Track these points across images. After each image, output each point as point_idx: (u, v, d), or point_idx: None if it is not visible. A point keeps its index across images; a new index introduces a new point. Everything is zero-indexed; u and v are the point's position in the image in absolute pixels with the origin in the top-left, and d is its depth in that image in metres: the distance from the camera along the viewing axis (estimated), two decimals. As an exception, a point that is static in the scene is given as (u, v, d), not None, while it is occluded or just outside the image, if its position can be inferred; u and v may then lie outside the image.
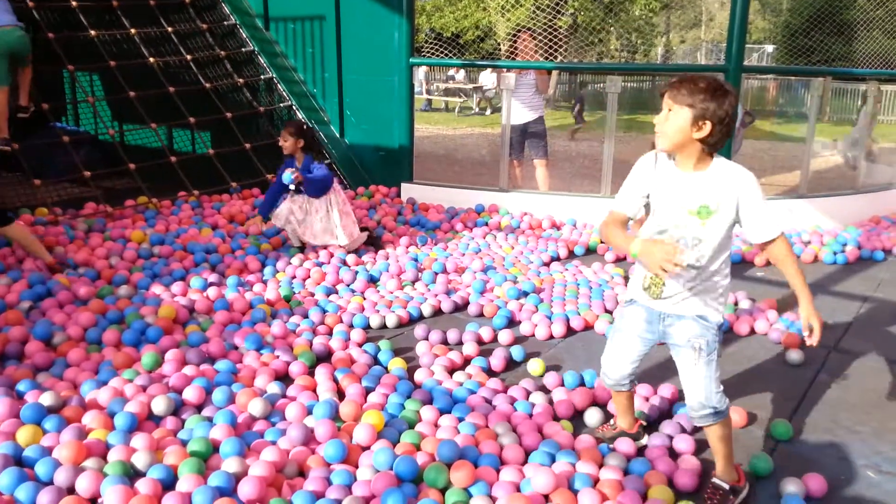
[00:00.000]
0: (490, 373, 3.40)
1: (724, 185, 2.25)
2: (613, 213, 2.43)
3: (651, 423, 2.96)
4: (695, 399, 2.39)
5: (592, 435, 2.80)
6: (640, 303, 2.47)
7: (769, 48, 19.60)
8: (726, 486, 2.43)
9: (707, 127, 2.18)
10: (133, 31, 6.76)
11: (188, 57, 6.94)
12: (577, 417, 3.01)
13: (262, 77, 7.35)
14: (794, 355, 3.60)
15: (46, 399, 2.78)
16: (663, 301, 2.39)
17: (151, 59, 6.65)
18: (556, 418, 2.96)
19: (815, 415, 3.09)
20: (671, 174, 2.32)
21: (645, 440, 2.81)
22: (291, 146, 4.93)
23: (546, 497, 2.36)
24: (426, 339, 3.76)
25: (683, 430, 2.86)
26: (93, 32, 6.51)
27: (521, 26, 6.59)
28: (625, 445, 2.71)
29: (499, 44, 7.66)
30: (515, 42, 6.54)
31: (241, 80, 7.14)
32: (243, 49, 7.42)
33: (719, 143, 2.23)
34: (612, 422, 2.88)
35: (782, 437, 2.86)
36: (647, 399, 3.10)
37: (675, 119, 2.21)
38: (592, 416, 2.97)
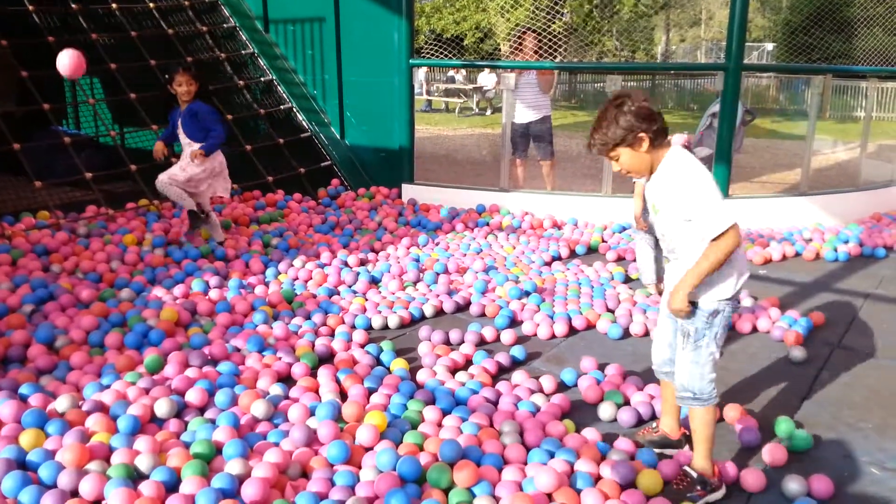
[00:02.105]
0: (496, 374, 3.40)
1: (662, 184, 2.37)
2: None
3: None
4: (678, 380, 2.48)
5: (631, 438, 2.76)
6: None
7: (769, 46, 19.59)
8: (695, 475, 2.45)
9: (644, 138, 2.30)
10: (133, 33, 6.76)
11: (188, 59, 6.94)
12: (581, 415, 3.01)
13: (262, 79, 7.36)
14: (797, 353, 3.60)
15: (62, 403, 2.79)
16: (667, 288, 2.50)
17: (152, 62, 6.66)
18: (563, 417, 2.95)
19: (818, 412, 3.09)
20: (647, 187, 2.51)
21: (685, 449, 2.72)
22: (187, 91, 4.87)
23: (549, 496, 2.36)
24: (428, 339, 3.76)
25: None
26: (94, 36, 6.52)
27: (526, 27, 6.60)
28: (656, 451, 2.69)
29: (498, 44, 7.67)
30: (520, 43, 6.56)
31: (241, 83, 7.15)
32: (243, 51, 7.43)
33: (658, 133, 2.31)
34: (654, 425, 2.83)
35: (786, 435, 2.85)
36: (652, 398, 3.09)
37: (624, 159, 2.36)
38: (606, 411, 2.98)
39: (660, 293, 2.70)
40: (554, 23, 6.41)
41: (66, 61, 2.39)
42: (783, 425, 2.86)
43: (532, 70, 6.50)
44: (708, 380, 2.43)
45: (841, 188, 6.85)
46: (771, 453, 2.64)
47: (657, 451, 2.70)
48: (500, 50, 7.73)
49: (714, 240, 2.25)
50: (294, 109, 7.26)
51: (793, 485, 2.46)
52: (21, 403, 2.78)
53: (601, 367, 3.44)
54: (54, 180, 5.77)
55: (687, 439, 2.74)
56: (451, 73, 20.85)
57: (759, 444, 2.76)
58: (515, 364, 3.56)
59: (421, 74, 19.66)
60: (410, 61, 6.58)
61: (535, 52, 6.43)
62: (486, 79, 18.65)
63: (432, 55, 7.00)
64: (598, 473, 2.50)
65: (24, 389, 2.92)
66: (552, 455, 2.61)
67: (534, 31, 6.46)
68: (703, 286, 2.36)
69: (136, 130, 6.91)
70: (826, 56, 7.13)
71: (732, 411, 2.95)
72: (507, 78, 6.48)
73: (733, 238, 2.24)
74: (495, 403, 3.04)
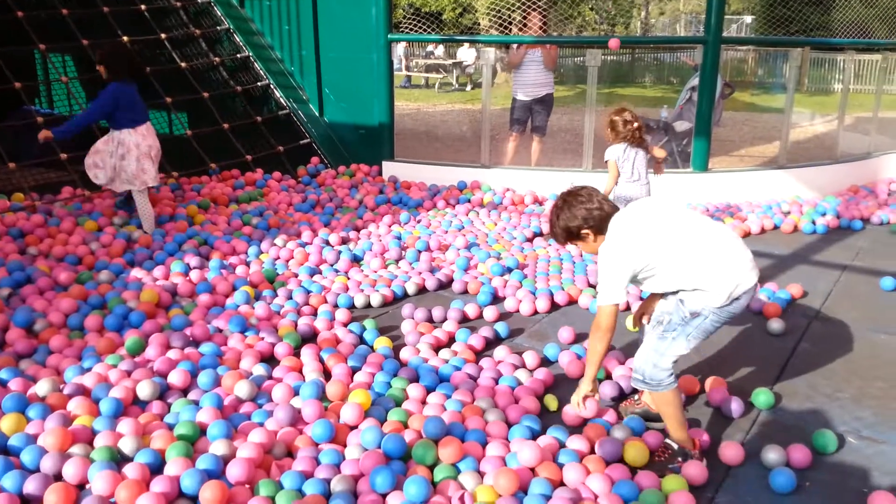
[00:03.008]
0: (481, 350, 3.41)
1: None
2: None
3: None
4: (635, 359, 2.57)
5: (615, 409, 2.82)
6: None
7: (748, 19, 19.59)
8: (675, 447, 2.51)
9: (589, 234, 2.52)
10: (105, 9, 6.62)
11: (162, 35, 6.82)
12: (563, 390, 3.03)
13: (238, 55, 7.25)
14: (775, 325, 3.64)
15: (42, 387, 2.77)
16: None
17: (125, 38, 6.53)
18: (545, 392, 2.98)
19: (796, 383, 3.14)
20: None
21: (664, 424, 2.72)
22: (102, 72, 4.76)
23: (533, 470, 2.39)
24: (411, 317, 3.76)
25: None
26: (64, 11, 6.37)
27: (530, 5, 6.56)
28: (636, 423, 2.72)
29: (478, 19, 7.60)
30: (525, 22, 6.53)
31: (216, 59, 7.04)
32: (218, 27, 7.30)
33: (599, 222, 2.51)
34: (636, 397, 2.87)
35: (764, 405, 2.90)
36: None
37: (583, 247, 2.60)
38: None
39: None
40: None
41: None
42: (762, 396, 2.91)
43: (536, 48, 6.48)
44: (662, 368, 2.45)
45: (819, 161, 6.91)
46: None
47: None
48: (479, 24, 7.67)
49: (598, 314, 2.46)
50: (271, 86, 7.17)
51: (772, 455, 2.51)
52: (0, 388, 2.75)
53: (582, 341, 3.47)
54: (28, 161, 5.67)
55: None
56: (430, 48, 20.66)
57: (742, 414, 2.82)
58: (499, 340, 3.57)
59: (400, 50, 19.46)
60: (389, 36, 6.51)
61: (542, 31, 6.41)
62: (466, 54, 18.50)
63: (411, 30, 6.93)
64: (582, 448, 2.53)
65: (3, 374, 2.89)
66: (535, 429, 2.63)
67: (539, 10, 6.44)
68: (691, 291, 2.41)
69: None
70: (804, 28, 7.14)
71: (711, 382, 3.00)
72: (487, 52, 6.44)
73: (604, 318, 2.43)
74: (478, 380, 3.05)
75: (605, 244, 2.47)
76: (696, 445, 2.52)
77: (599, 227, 2.50)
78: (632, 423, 2.69)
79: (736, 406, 2.84)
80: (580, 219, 2.50)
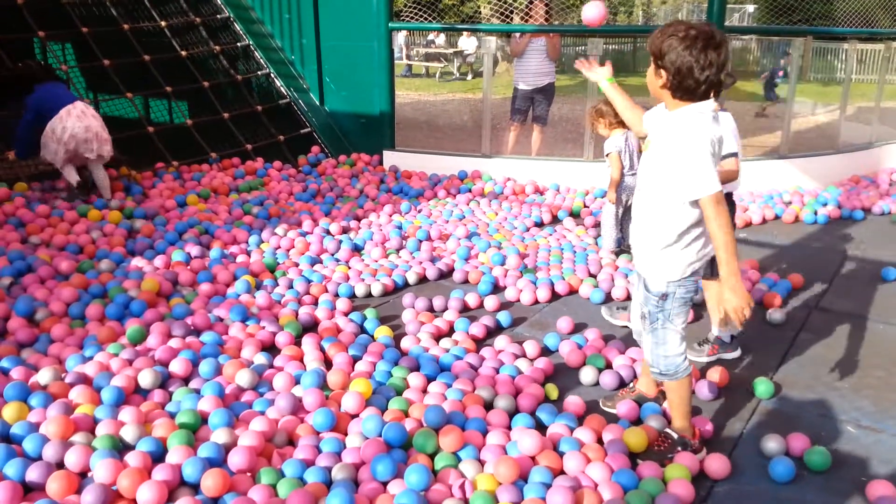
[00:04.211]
0: (483, 339, 3.42)
1: (669, 124, 2.25)
2: None
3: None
4: (645, 355, 2.54)
5: (611, 399, 2.83)
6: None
7: (750, 8, 19.48)
8: (675, 436, 2.50)
9: (663, 75, 2.18)
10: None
11: (162, 24, 6.80)
12: (564, 379, 3.04)
13: (238, 44, 7.23)
14: (776, 315, 3.65)
15: (44, 376, 2.77)
16: (636, 249, 2.48)
17: (125, 26, 6.51)
18: (546, 381, 2.98)
19: (796, 372, 3.15)
20: (655, 115, 2.40)
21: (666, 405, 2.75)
22: None
23: (533, 459, 2.40)
24: (412, 306, 3.76)
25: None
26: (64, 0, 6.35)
27: None
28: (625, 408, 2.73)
29: (479, 7, 7.56)
30: (529, 11, 6.50)
31: (217, 48, 7.02)
32: (218, 15, 7.28)
33: (689, 91, 2.16)
34: (631, 385, 2.88)
35: (764, 395, 2.91)
36: (633, 361, 3.13)
37: (650, 69, 2.26)
38: (588, 375, 3.02)
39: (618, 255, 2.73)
40: None
41: (595, 13, 2.40)
42: (762, 386, 2.92)
43: (540, 36, 6.45)
44: (673, 355, 2.42)
45: (820, 151, 6.89)
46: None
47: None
48: (480, 13, 7.63)
49: (703, 208, 2.15)
50: (272, 75, 7.15)
51: (771, 443, 2.52)
52: (2, 377, 2.76)
53: (583, 331, 3.47)
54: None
55: (663, 395, 2.77)
56: (431, 36, 20.58)
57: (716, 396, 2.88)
58: (500, 329, 3.58)
59: (400, 38, 19.39)
60: (390, 25, 6.48)
61: (546, 19, 6.39)
62: (467, 43, 18.43)
63: (412, 19, 6.90)
64: (583, 437, 2.53)
65: (4, 363, 2.89)
66: (535, 418, 2.64)
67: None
68: (649, 267, 2.35)
69: (112, 98, 6.77)
70: (807, 17, 7.10)
71: (714, 373, 3.00)
72: (489, 42, 6.41)
73: (721, 202, 2.12)
74: (479, 369, 3.06)
75: (703, 129, 2.15)
76: (697, 435, 2.53)
77: (688, 87, 2.15)
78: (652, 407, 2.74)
79: (706, 391, 2.88)
80: (689, 61, 2.10)
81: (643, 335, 2.50)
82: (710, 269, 2.93)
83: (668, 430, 2.54)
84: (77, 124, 4.92)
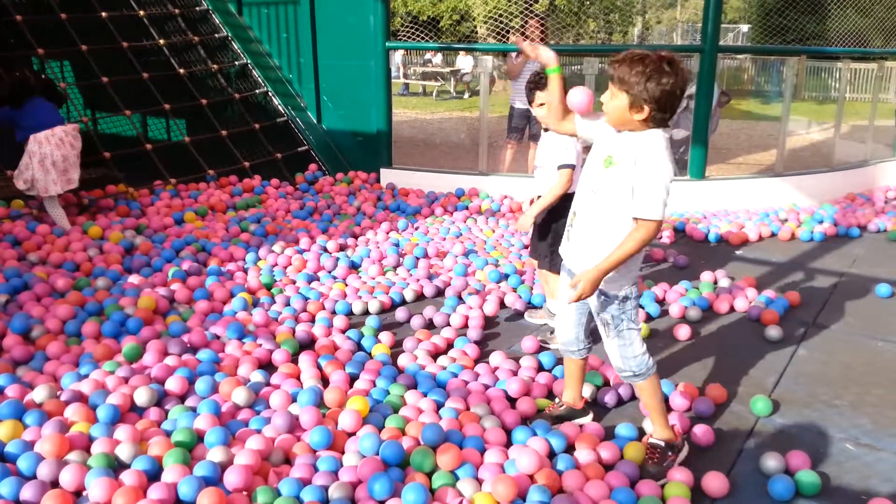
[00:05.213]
0: (477, 356, 3.41)
1: (640, 147, 2.25)
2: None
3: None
4: (615, 364, 2.54)
5: (541, 416, 2.79)
6: (567, 266, 2.57)
7: (744, 28, 19.67)
8: (662, 444, 2.52)
9: (646, 110, 2.21)
10: (104, 14, 6.63)
11: (161, 42, 6.83)
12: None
13: (236, 63, 7.27)
14: (773, 332, 3.65)
15: (39, 394, 2.75)
16: (574, 266, 2.48)
17: (124, 44, 6.54)
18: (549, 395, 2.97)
19: (794, 390, 3.14)
20: (608, 132, 2.38)
21: (589, 418, 2.81)
22: None
23: (531, 477, 2.38)
24: (409, 323, 3.76)
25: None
26: (63, 16, 6.38)
27: (529, 13, 6.60)
28: (569, 429, 2.70)
29: (475, 27, 7.63)
30: (524, 30, 6.57)
31: (215, 66, 7.05)
32: (216, 34, 7.32)
33: (664, 119, 2.25)
34: (557, 400, 2.88)
35: (762, 412, 2.90)
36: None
37: (615, 101, 2.25)
38: (585, 392, 2.98)
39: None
40: (537, 2, 6.40)
41: (582, 98, 2.30)
42: (760, 403, 2.91)
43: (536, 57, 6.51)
44: (640, 353, 2.49)
45: (815, 169, 6.93)
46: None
47: (568, 422, 2.75)
48: (476, 32, 7.69)
49: (636, 225, 2.23)
50: (269, 94, 7.19)
51: (770, 462, 2.51)
52: (-3, 395, 2.74)
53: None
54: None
55: (589, 406, 2.87)
56: (428, 55, 20.72)
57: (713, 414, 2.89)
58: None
59: (398, 57, 19.51)
60: (387, 44, 6.53)
61: (541, 39, 6.45)
62: (464, 62, 18.56)
63: (409, 38, 6.95)
64: (580, 456, 2.52)
65: (0, 380, 2.87)
66: (533, 436, 2.63)
67: (538, 17, 6.49)
68: (612, 276, 2.35)
69: (110, 116, 6.80)
70: (801, 37, 7.17)
71: (713, 390, 3.00)
72: (485, 61, 6.46)
73: (655, 231, 2.24)
74: (475, 386, 3.04)
75: (661, 156, 2.22)
76: (677, 434, 2.57)
77: (665, 115, 2.23)
78: (623, 430, 2.71)
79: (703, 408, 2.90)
80: (667, 90, 2.17)
81: (607, 343, 2.51)
82: (550, 263, 3.47)
83: (652, 440, 2.56)
84: (56, 152, 4.83)
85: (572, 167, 3.39)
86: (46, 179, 4.82)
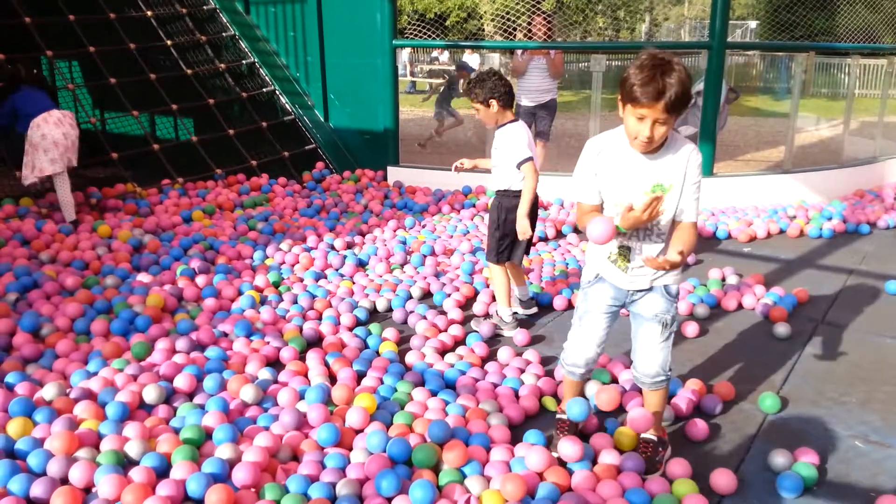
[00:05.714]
0: (486, 354, 3.41)
1: (677, 164, 2.25)
2: (583, 206, 2.40)
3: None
4: (652, 368, 2.47)
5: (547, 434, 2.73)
6: (607, 279, 2.46)
7: (752, 24, 19.58)
8: (655, 439, 2.55)
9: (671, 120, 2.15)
10: (112, 15, 6.66)
11: (168, 42, 6.86)
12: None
13: (243, 62, 7.28)
14: (782, 329, 3.63)
15: (49, 391, 2.77)
16: (631, 275, 2.39)
17: (132, 45, 6.56)
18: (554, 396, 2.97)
19: (802, 387, 3.13)
20: (626, 158, 2.29)
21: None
22: None
23: (540, 475, 2.38)
24: (417, 321, 3.76)
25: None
26: (71, 17, 6.41)
27: (535, 10, 6.60)
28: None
29: (482, 25, 7.62)
30: (530, 29, 6.57)
31: (222, 66, 7.07)
32: (224, 34, 7.34)
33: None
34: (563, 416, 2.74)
35: (770, 410, 2.89)
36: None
37: (666, 127, 2.16)
38: (591, 389, 2.98)
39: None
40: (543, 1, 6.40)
41: (603, 231, 2.22)
42: (768, 401, 2.90)
43: (541, 54, 6.50)
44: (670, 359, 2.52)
45: (824, 165, 6.89)
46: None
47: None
48: (483, 30, 7.69)
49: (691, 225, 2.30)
50: (277, 92, 7.20)
51: (779, 459, 2.50)
52: (7, 392, 2.76)
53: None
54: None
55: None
56: (434, 53, 20.71)
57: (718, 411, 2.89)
58: (504, 344, 3.57)
59: (404, 56, 19.52)
60: (394, 42, 6.53)
61: (547, 36, 6.44)
62: (471, 59, 18.54)
63: (416, 36, 6.95)
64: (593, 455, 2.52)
65: (10, 378, 2.90)
66: (542, 433, 2.63)
67: (544, 14, 6.48)
68: (668, 274, 2.35)
69: (118, 116, 6.83)
70: (809, 33, 7.13)
71: (721, 388, 2.99)
72: (492, 58, 6.46)
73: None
74: (483, 384, 3.04)
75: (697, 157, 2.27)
76: (664, 432, 2.62)
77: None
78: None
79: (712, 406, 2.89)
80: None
81: (656, 347, 2.44)
82: (510, 254, 3.65)
83: (645, 435, 2.57)
84: (55, 130, 4.92)
85: (531, 159, 3.52)
86: (46, 158, 4.90)
